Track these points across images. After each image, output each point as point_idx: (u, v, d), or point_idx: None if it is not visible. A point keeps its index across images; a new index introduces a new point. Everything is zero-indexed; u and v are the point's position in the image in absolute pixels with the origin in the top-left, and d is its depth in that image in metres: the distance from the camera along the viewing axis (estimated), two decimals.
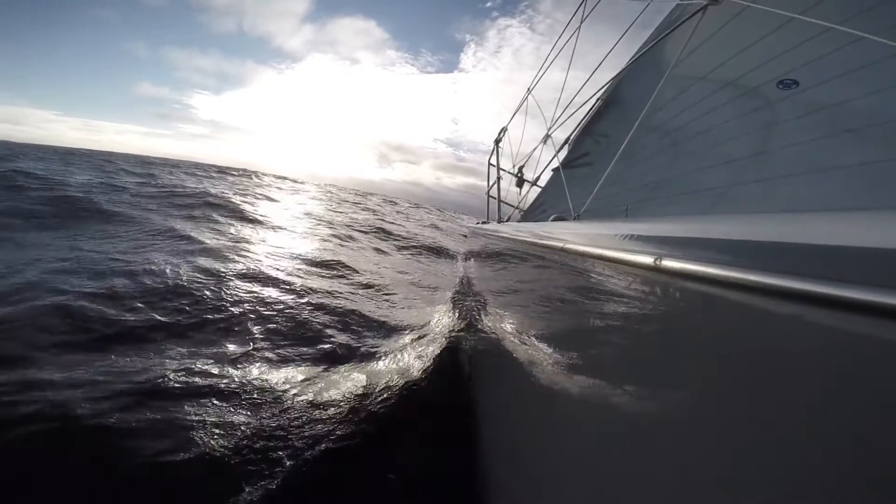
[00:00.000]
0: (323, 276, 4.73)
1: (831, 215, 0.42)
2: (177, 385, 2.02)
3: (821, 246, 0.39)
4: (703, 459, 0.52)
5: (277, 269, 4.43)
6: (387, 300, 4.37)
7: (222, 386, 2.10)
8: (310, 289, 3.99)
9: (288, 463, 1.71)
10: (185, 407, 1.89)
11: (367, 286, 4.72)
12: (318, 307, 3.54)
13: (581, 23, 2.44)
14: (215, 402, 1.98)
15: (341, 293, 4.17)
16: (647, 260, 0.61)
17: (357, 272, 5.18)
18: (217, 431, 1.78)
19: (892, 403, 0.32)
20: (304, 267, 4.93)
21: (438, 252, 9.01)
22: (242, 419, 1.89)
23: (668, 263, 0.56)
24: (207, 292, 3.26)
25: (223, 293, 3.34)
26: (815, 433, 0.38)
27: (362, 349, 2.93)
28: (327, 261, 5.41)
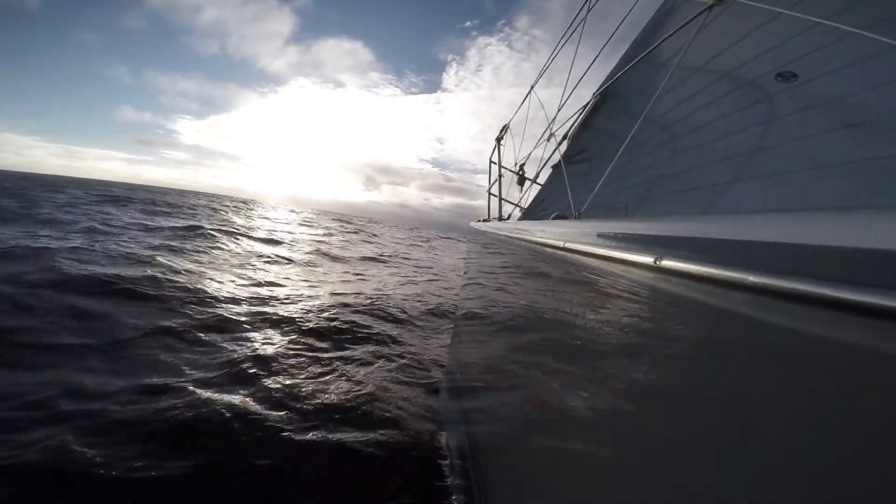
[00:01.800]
0: None
1: (831, 215, 0.42)
2: None
3: (821, 246, 0.39)
4: (702, 459, 0.52)
5: None
6: None
7: None
8: None
9: None
10: None
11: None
12: None
13: (584, 20, 2.42)
14: None
15: None
16: (647, 259, 0.60)
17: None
18: None
19: (891, 405, 0.32)
20: None
21: None
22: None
23: (668, 263, 0.56)
24: None
25: None
26: (814, 434, 0.38)
27: None
28: None
